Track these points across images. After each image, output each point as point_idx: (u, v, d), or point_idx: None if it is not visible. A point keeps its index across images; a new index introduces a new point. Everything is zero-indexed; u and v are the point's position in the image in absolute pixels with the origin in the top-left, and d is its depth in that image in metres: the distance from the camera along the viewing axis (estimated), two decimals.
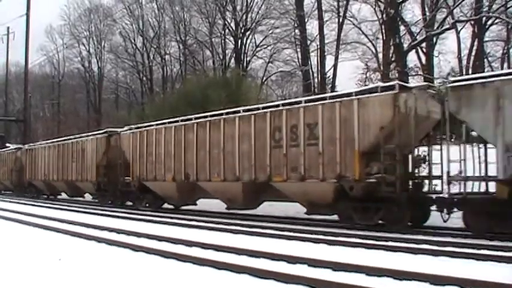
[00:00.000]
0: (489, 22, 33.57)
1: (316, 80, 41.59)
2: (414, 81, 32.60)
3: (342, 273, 7.10)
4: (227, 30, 47.50)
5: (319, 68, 40.27)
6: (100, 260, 8.62)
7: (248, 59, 46.86)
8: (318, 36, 40.60)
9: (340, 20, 39.86)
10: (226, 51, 48.27)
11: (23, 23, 47.33)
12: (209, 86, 32.69)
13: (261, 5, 45.96)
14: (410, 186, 13.13)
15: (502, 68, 37.46)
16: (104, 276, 7.20)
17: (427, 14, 33.92)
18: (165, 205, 20.54)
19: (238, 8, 46.48)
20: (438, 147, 12.71)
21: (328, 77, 41.05)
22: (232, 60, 47.21)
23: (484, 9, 32.08)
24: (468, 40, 35.53)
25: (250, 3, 46.15)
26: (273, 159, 14.99)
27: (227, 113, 16.91)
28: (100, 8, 60.90)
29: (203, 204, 19.44)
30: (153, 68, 56.17)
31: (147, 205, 20.73)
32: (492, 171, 11.10)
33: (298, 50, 43.57)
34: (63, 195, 30.16)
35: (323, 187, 13.63)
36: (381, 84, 13.41)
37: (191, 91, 33.39)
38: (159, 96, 50.02)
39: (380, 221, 12.81)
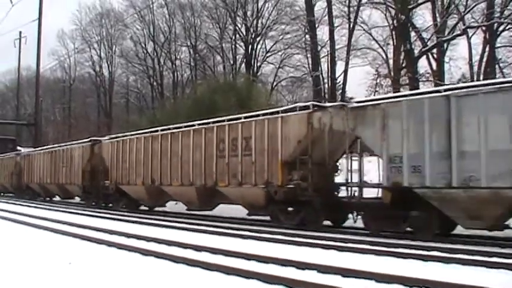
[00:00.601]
0: (501, 28, 33.35)
1: (326, 85, 41.57)
2: (425, 87, 32.49)
3: (351, 280, 7.08)
4: (237, 36, 47.63)
5: (329, 74, 40.27)
6: (110, 264, 8.64)
7: (258, 64, 46.98)
8: (329, 41, 40.60)
9: (351, 26, 39.84)
10: (237, 57, 48.42)
11: (35, 27, 47.72)
12: (219, 91, 32.75)
13: (272, 11, 46.12)
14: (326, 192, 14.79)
15: None
16: (114, 281, 7.22)
17: (438, 20, 33.77)
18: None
19: (248, 13, 46.64)
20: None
21: (339, 82, 41.03)
22: (243, 65, 47.31)
23: (496, 15, 31.89)
24: (479, 46, 35.33)
25: (261, 9, 46.33)
26: (218, 167, 17.25)
27: (185, 126, 19.50)
28: (111, 12, 61.31)
29: (218, 210, 19.51)
30: (164, 73, 56.38)
31: (124, 206, 23.01)
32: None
33: (309, 55, 43.55)
34: (57, 197, 32.19)
35: (256, 191, 15.81)
36: (299, 104, 15.71)
37: (201, 97, 33.48)
38: (170, 101, 50.21)
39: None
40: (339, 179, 15.18)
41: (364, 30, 40.27)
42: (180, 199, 20.11)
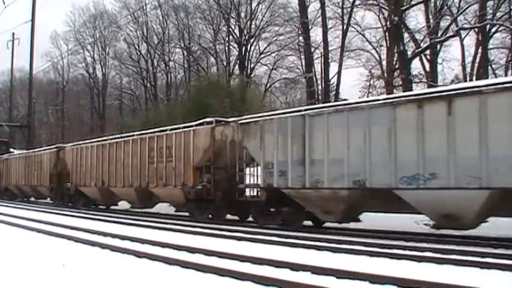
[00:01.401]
0: (493, 30, 33.54)
1: (320, 87, 41.62)
2: (418, 88, 32.60)
3: (345, 281, 7.09)
4: (231, 37, 47.68)
5: (323, 75, 40.32)
6: (104, 266, 8.62)
7: (252, 65, 47.05)
8: (322, 43, 40.68)
9: (344, 27, 39.93)
10: (230, 58, 48.46)
11: (28, 29, 47.62)
12: (212, 93, 32.73)
13: (265, 12, 46.20)
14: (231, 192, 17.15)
15: (506, 76, 37.47)
16: (108, 283, 7.20)
17: (431, 21, 33.91)
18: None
19: (242, 15, 46.70)
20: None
21: (332, 84, 41.09)
22: (236, 67, 47.32)
23: (488, 17, 32.03)
24: (472, 47, 35.53)
25: (254, 10, 46.39)
26: (149, 171, 20.57)
27: (126, 136, 22.96)
28: (105, 14, 61.23)
29: None
30: (157, 74, 56.34)
31: (82, 205, 26.21)
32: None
33: (302, 57, 43.62)
34: (32, 198, 35.28)
35: (176, 191, 19.11)
36: (207, 120, 18.69)
37: (194, 98, 33.47)
38: (163, 102, 50.16)
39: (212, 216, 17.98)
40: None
41: (357, 31, 40.42)
42: (125, 198, 23.55)
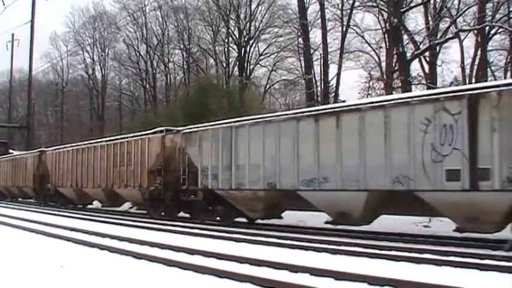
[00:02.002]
0: (492, 31, 33.52)
1: (319, 88, 41.60)
2: (418, 90, 32.57)
3: (344, 282, 7.09)
4: (230, 39, 47.57)
5: (322, 77, 40.25)
6: (102, 267, 8.61)
7: (251, 67, 46.89)
8: (322, 44, 40.62)
9: (344, 29, 39.83)
10: (230, 60, 48.36)
11: (27, 29, 47.63)
12: (211, 95, 32.72)
13: (265, 14, 46.07)
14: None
15: (505, 78, 37.50)
16: (106, 284, 7.20)
17: (431, 23, 33.87)
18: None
19: (241, 16, 46.59)
20: None
21: (332, 85, 41.04)
22: (236, 68, 47.28)
23: (487, 19, 32.02)
24: (471, 49, 35.49)
25: (253, 12, 46.27)
26: (114, 174, 22.97)
27: (96, 142, 25.70)
28: (104, 15, 61.06)
29: None
30: (157, 75, 56.22)
31: (61, 204, 28.81)
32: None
33: (302, 58, 43.52)
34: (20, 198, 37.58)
35: (135, 192, 21.70)
36: (159, 129, 21.20)
37: (193, 99, 33.43)
38: (163, 103, 50.11)
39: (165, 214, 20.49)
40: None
41: (356, 33, 40.30)
42: (96, 198, 26.36)
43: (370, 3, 36.99)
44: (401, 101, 12.60)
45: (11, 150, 48.00)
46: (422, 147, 11.74)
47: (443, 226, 13.76)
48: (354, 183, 12.97)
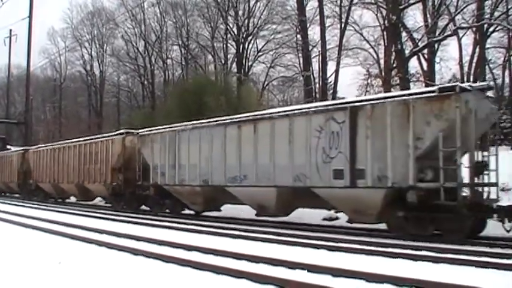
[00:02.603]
0: (491, 29, 33.54)
1: (317, 85, 41.59)
2: (416, 87, 32.59)
3: (342, 279, 7.09)
4: (229, 35, 47.55)
5: (320, 74, 40.24)
6: (100, 263, 8.61)
7: (250, 63, 46.90)
8: (320, 41, 40.60)
9: (342, 26, 39.85)
10: (228, 56, 48.33)
11: (25, 25, 47.43)
12: (208, 91, 32.65)
13: (263, 10, 46.06)
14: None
15: (503, 75, 37.53)
16: (104, 280, 7.19)
17: (429, 20, 33.89)
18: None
19: (240, 12, 46.54)
20: None
21: (330, 82, 41.06)
22: (234, 64, 47.25)
23: (486, 17, 32.03)
24: (470, 47, 35.53)
25: (252, 8, 46.23)
26: (84, 171, 25.86)
27: (70, 142, 28.50)
28: (102, 11, 60.99)
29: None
30: (155, 71, 56.23)
31: (41, 199, 31.26)
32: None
33: (300, 55, 43.54)
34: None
35: (102, 187, 24.40)
36: (121, 131, 24.02)
37: (190, 95, 33.30)
38: (161, 100, 50.02)
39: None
40: None
41: (355, 30, 40.35)
42: (72, 193, 29.15)
43: (369, 0, 37.02)
44: (302, 111, 14.83)
45: (8, 146, 47.91)
46: (316, 151, 13.93)
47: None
48: (266, 180, 15.32)
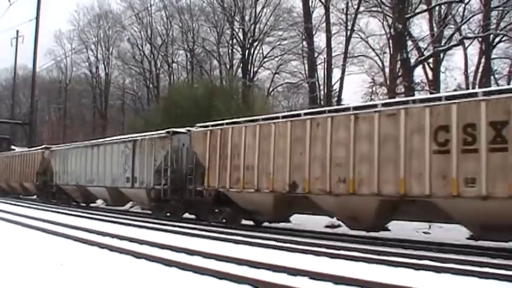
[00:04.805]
0: (497, 39, 33.53)
1: (322, 92, 41.64)
2: (421, 96, 32.54)
3: (343, 287, 7.09)
4: (235, 40, 47.68)
5: (325, 81, 40.31)
6: (102, 265, 8.63)
7: (255, 69, 47.01)
8: (326, 48, 40.71)
9: (348, 34, 39.96)
10: (234, 61, 48.45)
11: (32, 27, 47.70)
12: (217, 95, 32.75)
13: (270, 16, 46.19)
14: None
15: (508, 85, 37.41)
16: (105, 283, 7.21)
17: (435, 29, 33.93)
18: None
19: (246, 18, 46.68)
20: None
21: (335, 89, 41.10)
22: (239, 70, 47.34)
23: (492, 27, 32.05)
24: (475, 57, 35.47)
25: (258, 14, 46.37)
26: (22, 173, 34.16)
27: (34, 150, 34.97)
28: (109, 14, 61.27)
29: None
30: (160, 75, 56.37)
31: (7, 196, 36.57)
32: None
33: (305, 62, 43.63)
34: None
35: (31, 185, 32.72)
36: (45, 146, 32.56)
37: (200, 99, 33.37)
38: (163, 102, 50.03)
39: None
40: None
41: (361, 38, 40.38)
42: (28, 191, 34.45)
43: (375, 9, 37.06)
44: (114, 141, 24.50)
45: (13, 147, 48.04)
46: (119, 165, 22.57)
47: (446, 233, 13.76)
48: (102, 182, 24.08)
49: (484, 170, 10.53)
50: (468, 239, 12.07)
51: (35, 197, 34.06)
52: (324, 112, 14.19)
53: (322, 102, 38.59)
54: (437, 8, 34.17)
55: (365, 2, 38.18)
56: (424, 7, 33.74)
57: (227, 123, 16.84)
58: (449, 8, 33.41)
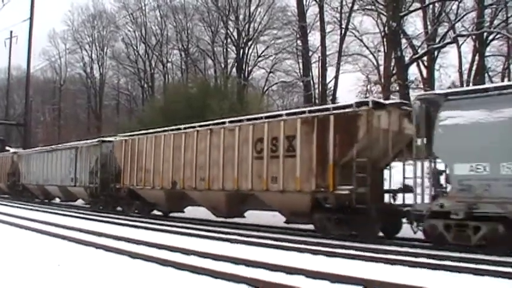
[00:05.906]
0: (490, 37, 33.70)
1: (317, 91, 41.71)
2: (415, 94, 32.62)
3: (339, 285, 7.10)
4: (229, 40, 47.71)
5: (320, 79, 40.40)
6: (98, 266, 8.62)
7: (250, 68, 47.06)
8: (320, 47, 40.80)
9: (342, 32, 40.10)
10: (228, 61, 48.47)
11: (26, 27, 47.48)
12: (211, 94, 32.74)
13: (264, 15, 46.24)
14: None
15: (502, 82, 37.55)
16: (102, 283, 7.21)
17: (429, 27, 34.07)
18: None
19: (240, 17, 46.72)
20: None
21: (329, 88, 41.20)
22: (234, 69, 47.36)
23: (486, 25, 32.20)
24: (469, 54, 35.69)
25: (253, 13, 46.42)
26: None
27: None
28: (103, 14, 61.22)
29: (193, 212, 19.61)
30: (155, 75, 56.35)
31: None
32: None
33: (300, 60, 43.72)
34: None
35: (4, 185, 35.38)
36: (13, 151, 38.00)
37: (194, 99, 33.38)
38: (161, 103, 50.01)
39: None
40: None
41: (355, 36, 40.55)
42: (5, 191, 35.91)
43: (369, 7, 37.19)
44: (65, 147, 27.77)
45: (7, 148, 47.88)
46: (68, 167, 26.59)
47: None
48: (53, 181, 27.94)
49: (281, 171, 14.27)
50: (285, 222, 15.41)
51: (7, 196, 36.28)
52: (223, 123, 16.99)
53: (317, 101, 38.64)
54: (431, 6, 34.32)
55: (359, 1, 38.35)
56: (418, 5, 33.89)
57: (136, 134, 20.88)
58: (443, 6, 33.57)
